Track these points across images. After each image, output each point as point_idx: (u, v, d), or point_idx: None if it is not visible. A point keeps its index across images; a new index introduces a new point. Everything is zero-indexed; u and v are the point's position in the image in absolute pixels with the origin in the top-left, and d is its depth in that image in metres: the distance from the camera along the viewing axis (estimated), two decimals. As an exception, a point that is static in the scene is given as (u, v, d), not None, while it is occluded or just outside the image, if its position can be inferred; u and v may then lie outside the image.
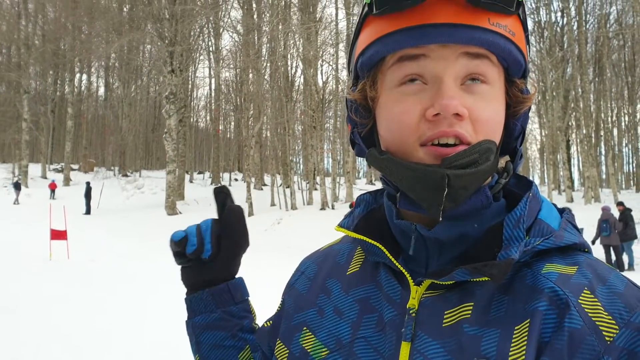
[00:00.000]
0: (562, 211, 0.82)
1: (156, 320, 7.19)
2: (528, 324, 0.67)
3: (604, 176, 45.84)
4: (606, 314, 0.65)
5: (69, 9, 43.53)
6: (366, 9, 0.78)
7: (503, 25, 0.73)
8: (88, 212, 28.51)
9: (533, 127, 51.77)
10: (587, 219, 18.08)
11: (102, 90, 61.01)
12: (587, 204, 28.00)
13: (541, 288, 0.70)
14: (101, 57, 46.37)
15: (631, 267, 15.19)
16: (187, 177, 40.59)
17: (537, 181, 57.38)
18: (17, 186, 33.54)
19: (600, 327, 0.65)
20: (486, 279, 0.71)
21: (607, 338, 0.64)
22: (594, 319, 0.65)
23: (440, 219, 0.71)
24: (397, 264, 0.80)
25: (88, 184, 29.97)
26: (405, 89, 0.74)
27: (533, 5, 39.77)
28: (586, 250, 0.78)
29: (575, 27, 34.97)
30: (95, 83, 61.46)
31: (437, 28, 0.71)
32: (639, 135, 44.52)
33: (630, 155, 50.94)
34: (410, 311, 0.77)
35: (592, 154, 32.79)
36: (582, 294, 0.68)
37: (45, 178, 43.51)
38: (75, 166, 50.56)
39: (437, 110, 0.70)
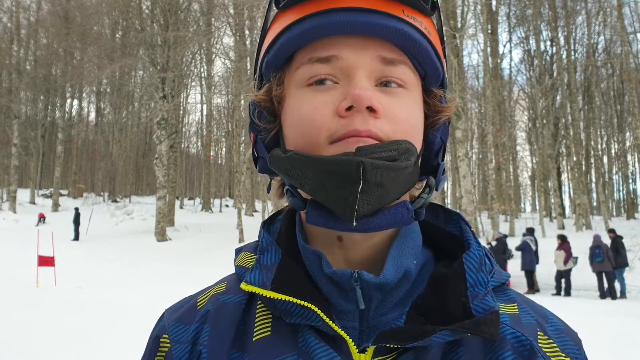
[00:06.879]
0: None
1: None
2: None
3: (594, 203, 46.02)
4: (564, 355, 0.64)
5: (62, 35, 43.53)
6: (272, 6, 0.71)
7: (418, 20, 0.67)
8: (76, 238, 28.17)
9: (524, 154, 52.15)
10: (578, 246, 18.04)
11: (93, 116, 61.03)
12: (578, 231, 28.04)
13: (501, 335, 0.63)
14: (93, 82, 46.35)
15: (623, 295, 15.12)
16: (177, 203, 40.36)
17: (528, 208, 57.38)
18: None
19: None
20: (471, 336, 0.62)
21: None
22: None
23: (354, 223, 0.60)
24: (336, 328, 0.62)
25: (77, 209, 29.64)
26: (316, 87, 0.66)
27: (522, 34, 40.37)
28: (507, 283, 0.74)
29: (564, 56, 35.41)
30: (86, 108, 61.42)
31: (349, 13, 0.64)
32: (629, 163, 44.88)
33: (621, 183, 51.25)
34: None
35: (582, 181, 32.94)
36: (538, 337, 0.64)
37: (34, 203, 43.13)
38: (65, 192, 50.24)
39: (350, 103, 0.62)
